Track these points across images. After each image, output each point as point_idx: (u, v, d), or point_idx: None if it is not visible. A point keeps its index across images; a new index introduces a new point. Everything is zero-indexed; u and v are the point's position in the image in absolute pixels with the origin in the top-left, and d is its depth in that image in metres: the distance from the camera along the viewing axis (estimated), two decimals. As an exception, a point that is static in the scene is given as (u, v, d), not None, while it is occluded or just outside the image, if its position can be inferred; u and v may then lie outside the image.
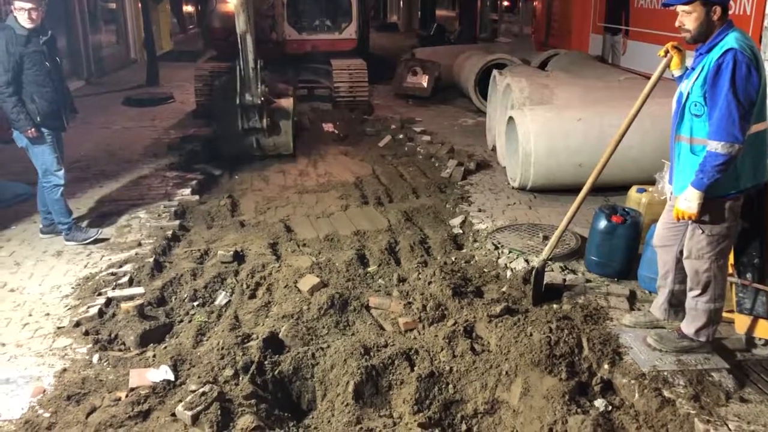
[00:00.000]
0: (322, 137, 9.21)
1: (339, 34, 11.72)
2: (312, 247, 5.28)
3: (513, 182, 6.58)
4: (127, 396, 3.26)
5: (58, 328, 4.00)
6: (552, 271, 4.62)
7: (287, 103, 8.12)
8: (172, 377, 3.39)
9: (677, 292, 3.65)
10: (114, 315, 4.13)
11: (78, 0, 13.70)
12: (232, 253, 4.93)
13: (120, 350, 3.84)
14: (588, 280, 4.52)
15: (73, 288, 4.53)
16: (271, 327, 3.92)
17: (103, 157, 7.88)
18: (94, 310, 4.14)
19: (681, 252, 3.48)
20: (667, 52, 3.53)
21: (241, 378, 3.38)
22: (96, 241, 5.26)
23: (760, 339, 3.69)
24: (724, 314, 3.59)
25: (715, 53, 3.10)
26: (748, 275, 3.61)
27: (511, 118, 6.53)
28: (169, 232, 5.50)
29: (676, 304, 3.69)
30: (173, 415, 3.08)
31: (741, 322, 3.69)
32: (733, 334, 3.75)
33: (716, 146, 3.06)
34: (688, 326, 3.52)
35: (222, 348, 3.60)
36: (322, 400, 3.47)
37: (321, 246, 5.30)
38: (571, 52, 10.85)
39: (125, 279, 4.59)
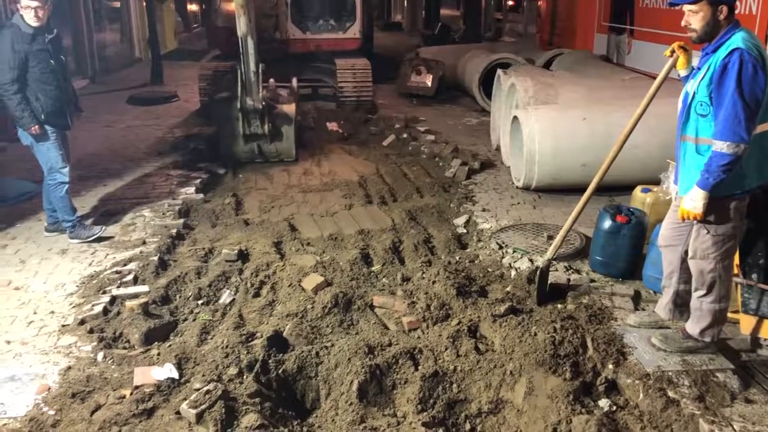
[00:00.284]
0: (326, 136, 9.21)
1: (343, 33, 11.70)
2: (316, 246, 5.29)
3: (517, 182, 6.57)
4: (131, 394, 3.27)
5: (63, 325, 4.01)
6: (556, 270, 4.61)
7: (289, 108, 8.00)
8: (176, 375, 3.39)
9: (682, 292, 3.65)
10: (119, 313, 4.14)
11: (83, -2, 13.73)
12: (236, 251, 4.94)
13: (124, 348, 3.85)
14: (592, 280, 4.51)
15: (77, 286, 4.54)
16: (275, 326, 3.93)
17: (107, 156, 7.90)
18: (98, 308, 4.15)
19: (686, 252, 3.47)
20: (673, 51, 3.52)
21: (245, 376, 3.38)
22: (100, 239, 5.27)
23: (765, 339, 3.69)
24: (730, 314, 3.58)
25: (722, 53, 3.09)
26: (754, 275, 3.61)
27: (515, 118, 6.52)
28: (174, 231, 5.52)
29: (681, 305, 3.68)
30: (178, 413, 3.08)
31: (746, 323, 3.69)
32: (738, 334, 3.74)
33: (722, 146, 3.05)
34: (693, 326, 3.51)
35: (226, 346, 3.61)
36: (326, 399, 3.47)
37: (325, 245, 5.30)
38: (576, 52, 10.82)
39: (130, 277, 4.60)
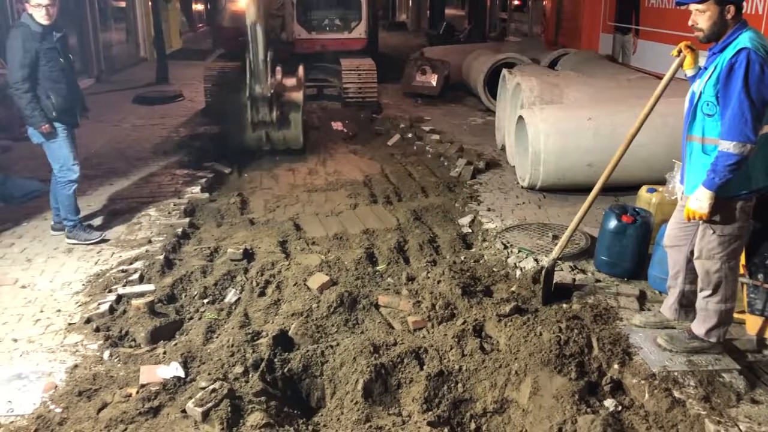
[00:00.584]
0: (332, 136, 9.22)
1: (349, 33, 11.72)
2: (321, 245, 5.29)
3: (522, 181, 6.57)
4: (137, 392, 3.28)
5: (69, 324, 4.03)
6: (561, 270, 4.61)
7: (297, 95, 8.02)
8: (182, 374, 3.40)
9: (688, 292, 3.64)
10: (125, 312, 4.16)
11: (89, -2, 13.78)
12: (241, 250, 4.95)
13: (130, 347, 3.86)
14: (598, 280, 4.51)
15: (83, 285, 4.56)
16: (280, 325, 3.93)
17: (113, 155, 7.92)
18: (104, 307, 4.17)
19: (692, 252, 3.46)
20: (680, 51, 3.51)
21: (251, 375, 3.39)
22: (100, 242, 5.28)
23: (771, 340, 3.67)
24: (736, 315, 3.57)
25: (729, 52, 3.08)
26: (760, 276, 3.60)
27: (520, 118, 6.52)
28: (179, 230, 5.53)
29: (687, 305, 3.67)
30: (183, 411, 3.09)
31: (752, 323, 3.68)
32: (744, 335, 3.73)
33: (728, 146, 3.05)
34: (699, 327, 3.50)
35: (232, 345, 3.61)
36: (332, 398, 3.47)
37: (330, 244, 5.31)
38: (581, 52, 10.82)
39: (135, 276, 4.62)
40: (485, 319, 3.94)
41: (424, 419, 3.21)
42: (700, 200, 3.17)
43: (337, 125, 9.67)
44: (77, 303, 4.30)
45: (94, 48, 13.88)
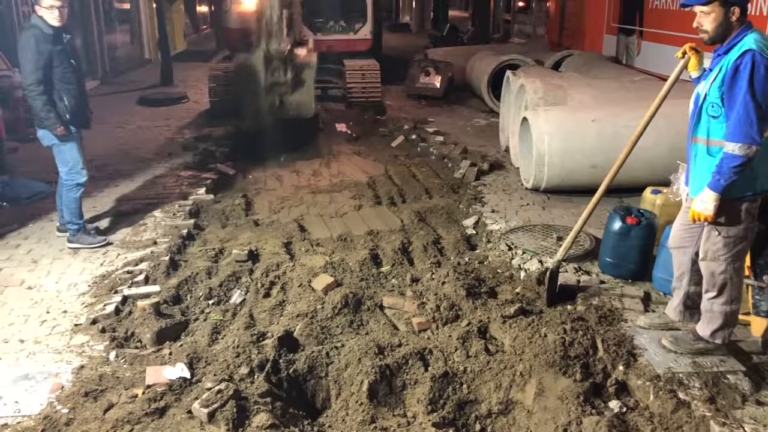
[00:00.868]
0: (336, 137, 9.23)
1: (354, 34, 11.75)
2: (325, 246, 5.30)
3: (526, 183, 6.57)
4: (143, 393, 3.29)
5: (76, 325, 4.04)
6: (566, 272, 4.61)
7: (309, 57, 8.05)
8: (188, 375, 3.41)
9: (692, 293, 3.64)
10: (130, 313, 4.17)
11: (93, 0, 13.82)
12: (246, 252, 4.96)
13: (136, 348, 3.87)
14: (602, 282, 4.51)
15: (89, 286, 4.58)
16: (285, 326, 3.94)
17: (118, 157, 7.95)
18: (110, 308, 4.18)
19: (697, 254, 3.46)
20: (684, 53, 3.51)
21: (256, 376, 3.40)
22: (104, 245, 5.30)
23: (776, 342, 3.67)
24: (741, 316, 3.57)
25: (733, 54, 3.08)
26: (765, 277, 3.60)
27: (524, 119, 6.52)
28: (184, 231, 5.55)
29: (692, 306, 3.67)
30: (189, 412, 3.10)
31: (757, 325, 3.67)
32: (749, 336, 3.73)
33: (733, 147, 3.05)
34: (704, 328, 3.50)
35: (237, 346, 3.63)
36: (337, 399, 3.48)
37: (334, 245, 5.32)
38: (585, 53, 10.81)
39: (141, 277, 4.63)
40: (490, 320, 3.95)
41: (429, 420, 3.22)
42: (705, 202, 3.17)
43: (341, 126, 9.69)
44: (83, 304, 4.32)
45: (99, 49, 13.94)
